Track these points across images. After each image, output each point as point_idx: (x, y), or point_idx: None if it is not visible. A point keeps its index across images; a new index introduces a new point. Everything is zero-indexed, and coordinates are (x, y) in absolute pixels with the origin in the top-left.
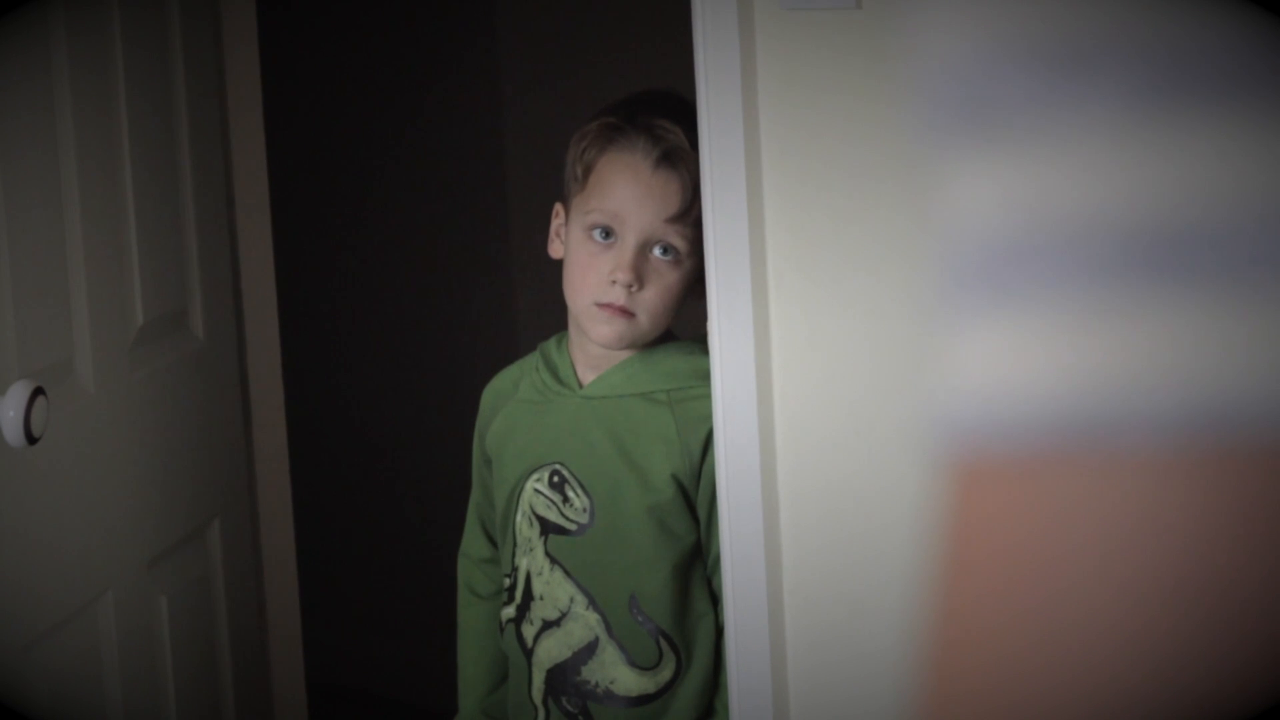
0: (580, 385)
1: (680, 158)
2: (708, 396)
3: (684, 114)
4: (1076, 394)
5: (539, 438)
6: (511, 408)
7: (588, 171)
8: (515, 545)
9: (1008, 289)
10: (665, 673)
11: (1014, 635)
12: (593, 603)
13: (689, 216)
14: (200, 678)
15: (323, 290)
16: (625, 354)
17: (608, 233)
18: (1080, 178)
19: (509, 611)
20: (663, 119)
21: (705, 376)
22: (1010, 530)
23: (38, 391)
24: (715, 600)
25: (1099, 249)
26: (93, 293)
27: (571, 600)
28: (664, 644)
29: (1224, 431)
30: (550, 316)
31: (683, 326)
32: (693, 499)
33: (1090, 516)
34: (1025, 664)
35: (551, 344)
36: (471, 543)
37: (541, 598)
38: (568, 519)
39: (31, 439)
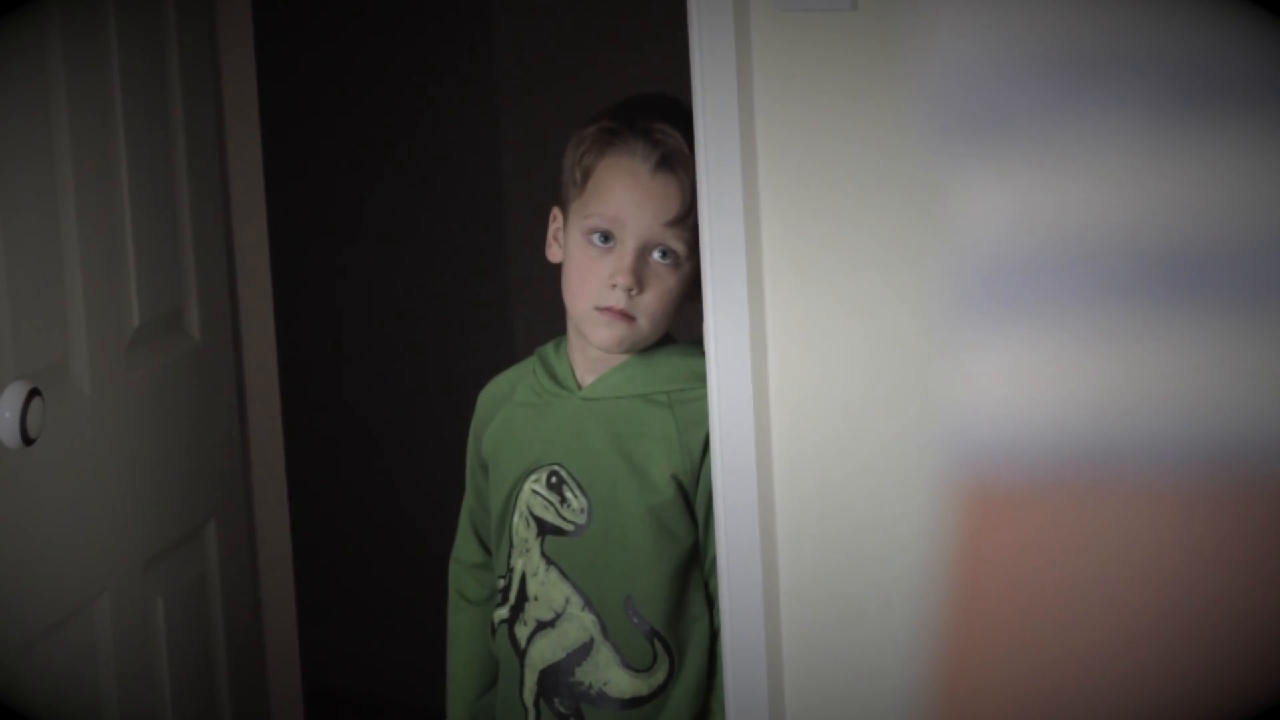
0: (579, 387)
1: (679, 161)
2: (707, 399)
3: (682, 117)
4: (1087, 419)
5: (537, 439)
6: (508, 410)
7: (586, 175)
8: (511, 546)
9: (1017, 306)
10: (659, 675)
11: (1025, 663)
12: (588, 604)
13: (688, 220)
14: (196, 678)
15: (319, 290)
16: (624, 356)
17: (607, 237)
18: (1094, 192)
19: (502, 612)
20: (661, 123)
21: (704, 378)
22: (1022, 558)
23: (33, 392)
24: (711, 603)
25: (1112, 267)
26: (88, 293)
27: (567, 601)
28: (658, 645)
29: (1236, 462)
30: (547, 319)
31: (680, 328)
32: (692, 499)
33: (1101, 547)
34: (1036, 693)
35: (549, 348)
36: (463, 548)
37: (536, 598)
38: (565, 520)
39: (27, 440)
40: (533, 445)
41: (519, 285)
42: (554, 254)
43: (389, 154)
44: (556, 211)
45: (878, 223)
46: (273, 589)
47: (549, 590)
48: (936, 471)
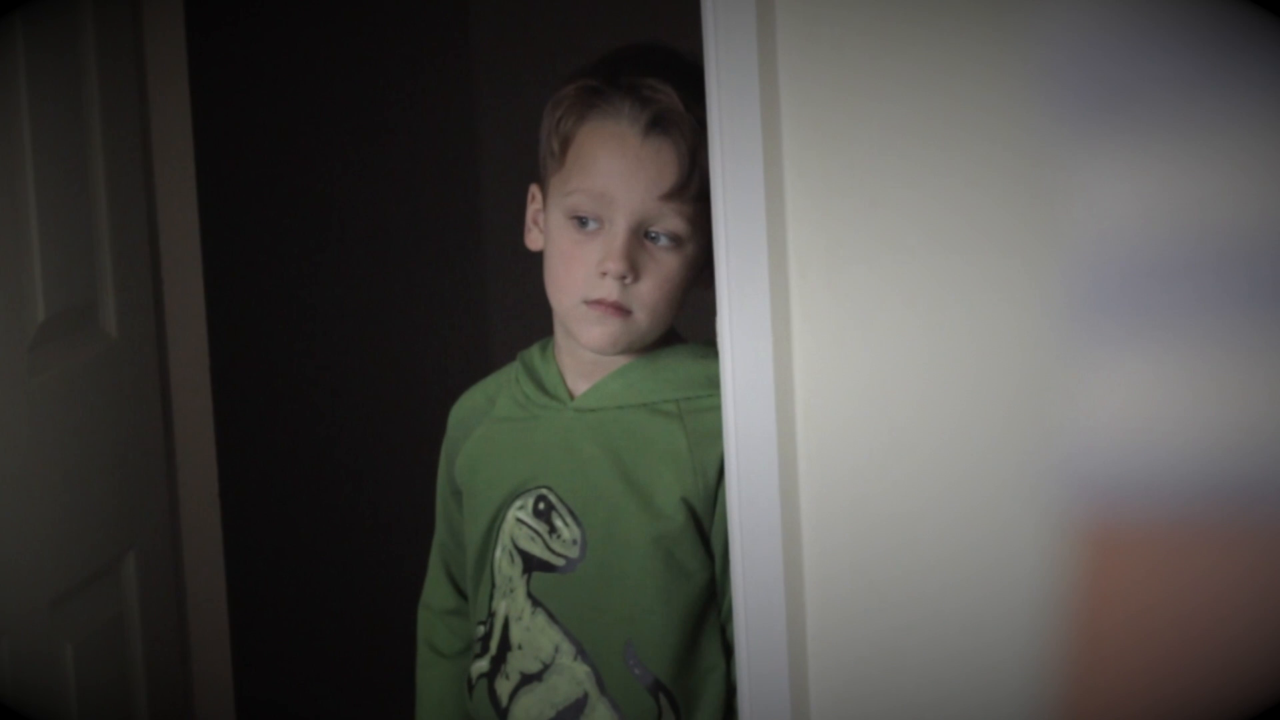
0: (571, 396)
1: (673, 122)
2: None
3: (676, 70)
4: (1223, 451)
5: (522, 458)
6: (487, 427)
7: (565, 145)
8: (493, 586)
9: (1146, 315)
10: None
11: (1149, 706)
12: (581, 652)
13: (687, 191)
14: None
15: (259, 283)
16: (624, 359)
17: (593, 217)
18: (1236, 183)
19: (482, 665)
20: (651, 77)
21: (720, 384)
22: (1147, 601)
23: None
24: (729, 652)
25: (1257, 270)
26: None
27: (556, 650)
28: (663, 701)
29: None
30: (529, 322)
31: (690, 326)
32: (706, 528)
33: (1234, 591)
34: None
35: (534, 351)
36: (434, 591)
37: (521, 647)
38: (554, 553)
39: None
40: (517, 466)
41: (495, 280)
42: (533, 240)
43: (344, 131)
44: (535, 190)
45: (925, 200)
46: (202, 632)
47: (535, 637)
48: (1025, 503)
